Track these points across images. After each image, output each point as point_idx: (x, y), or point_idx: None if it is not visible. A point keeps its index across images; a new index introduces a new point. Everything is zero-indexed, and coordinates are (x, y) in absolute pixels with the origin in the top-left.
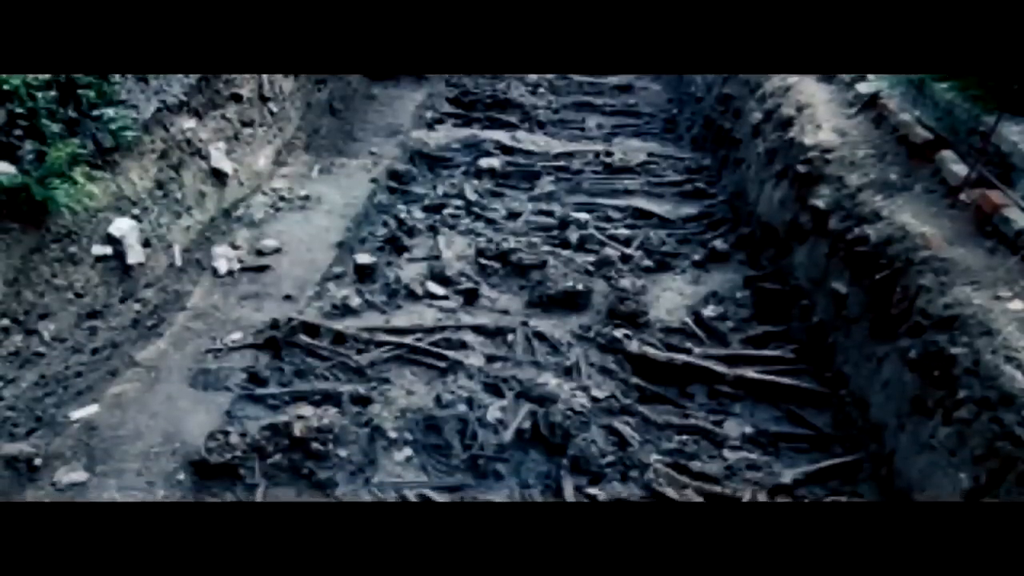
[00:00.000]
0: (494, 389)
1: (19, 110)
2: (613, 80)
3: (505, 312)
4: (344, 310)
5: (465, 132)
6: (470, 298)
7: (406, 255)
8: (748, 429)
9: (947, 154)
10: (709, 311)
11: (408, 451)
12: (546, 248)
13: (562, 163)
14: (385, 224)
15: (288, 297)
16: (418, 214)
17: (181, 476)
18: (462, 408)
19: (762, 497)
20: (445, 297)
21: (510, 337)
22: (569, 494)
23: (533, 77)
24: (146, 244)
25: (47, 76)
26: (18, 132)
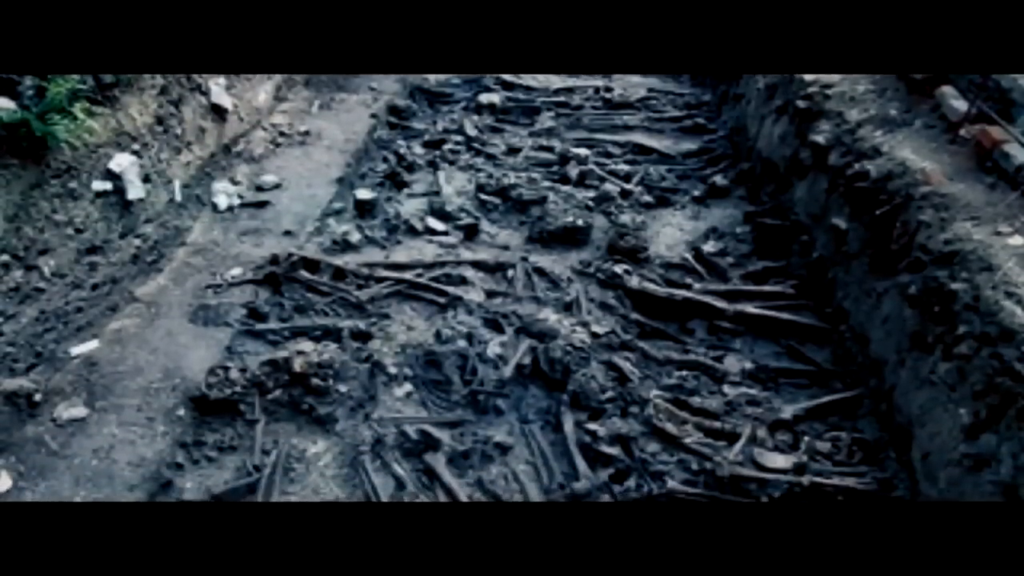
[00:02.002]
0: (494, 324)
1: None
2: None
3: (505, 248)
4: (344, 245)
5: None
6: (470, 233)
7: (406, 190)
8: (748, 364)
9: (947, 90)
10: (709, 246)
11: (408, 387)
12: (546, 184)
13: (562, 99)
14: (385, 159)
15: (288, 232)
16: (418, 150)
17: (181, 412)
18: (462, 344)
19: (762, 432)
20: (445, 233)
21: (510, 273)
22: (569, 429)
23: None
24: (146, 180)
25: None
26: None
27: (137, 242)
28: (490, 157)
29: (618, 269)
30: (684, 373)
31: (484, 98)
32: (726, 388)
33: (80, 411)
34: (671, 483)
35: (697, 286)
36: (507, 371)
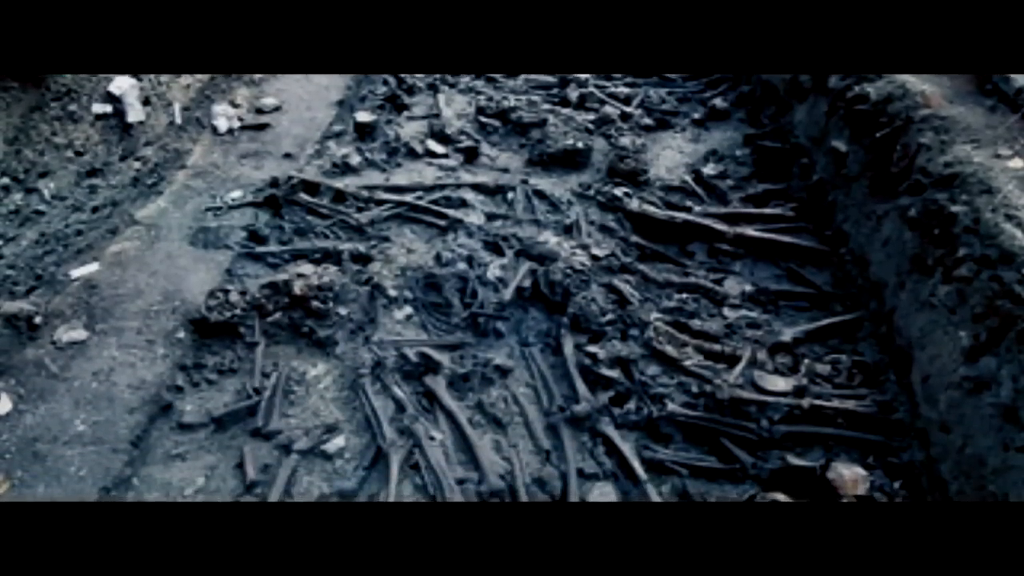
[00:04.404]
0: (494, 247)
1: None
2: None
3: (505, 170)
4: (344, 168)
5: None
6: (470, 156)
7: (406, 113)
8: (748, 287)
9: None
10: (709, 169)
11: (408, 309)
12: (546, 106)
13: None
14: (385, 82)
15: (288, 155)
16: None
17: (181, 334)
18: (462, 266)
19: (762, 355)
20: (445, 155)
21: (510, 195)
22: (569, 352)
23: None
24: (146, 102)
25: None
26: None
27: (137, 165)
28: (490, 80)
29: (618, 192)
30: (684, 296)
31: None
32: (726, 311)
33: (80, 334)
34: (671, 406)
35: (697, 209)
36: (507, 294)
